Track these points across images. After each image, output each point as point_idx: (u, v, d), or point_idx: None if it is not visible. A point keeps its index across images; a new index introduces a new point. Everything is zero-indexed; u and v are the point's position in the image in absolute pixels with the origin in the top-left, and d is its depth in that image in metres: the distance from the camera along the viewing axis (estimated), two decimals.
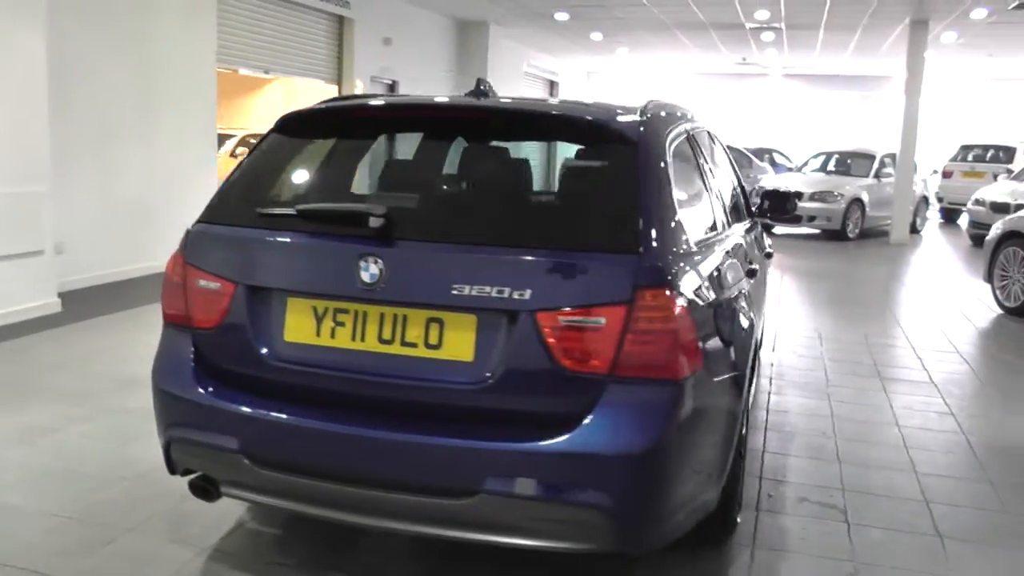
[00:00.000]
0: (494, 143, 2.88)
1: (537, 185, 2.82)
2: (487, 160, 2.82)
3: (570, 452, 2.16)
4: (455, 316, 2.26)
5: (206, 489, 2.52)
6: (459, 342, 2.26)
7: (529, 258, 2.24)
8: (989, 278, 7.55)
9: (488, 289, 2.20)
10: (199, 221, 2.60)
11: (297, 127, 2.80)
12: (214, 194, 2.68)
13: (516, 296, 2.18)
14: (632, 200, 2.32)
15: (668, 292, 2.19)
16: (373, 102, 2.90)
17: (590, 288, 2.19)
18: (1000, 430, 4.45)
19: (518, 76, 18.38)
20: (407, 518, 2.30)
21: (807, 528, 3.16)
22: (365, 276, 2.28)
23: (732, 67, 24.57)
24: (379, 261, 2.27)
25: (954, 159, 16.15)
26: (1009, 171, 14.07)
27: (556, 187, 2.67)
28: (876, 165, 14.17)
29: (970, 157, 15.98)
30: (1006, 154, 15.44)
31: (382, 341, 2.31)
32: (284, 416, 2.36)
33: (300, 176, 2.89)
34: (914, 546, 3.06)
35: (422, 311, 2.29)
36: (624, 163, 2.42)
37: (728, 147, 4.40)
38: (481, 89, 2.79)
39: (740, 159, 15.65)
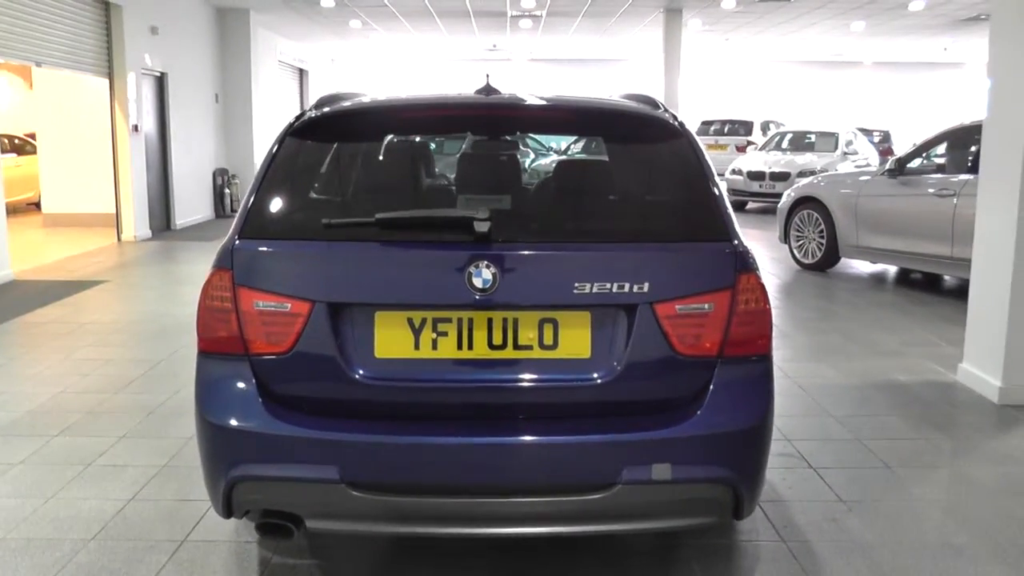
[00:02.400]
0: (554, 141, 2.83)
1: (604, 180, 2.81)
2: (567, 159, 2.77)
3: (698, 433, 2.25)
4: (569, 315, 2.25)
5: (282, 527, 2.28)
6: (575, 340, 2.25)
7: (644, 252, 2.29)
8: (785, 239, 8.59)
9: (607, 285, 2.22)
10: (242, 237, 2.31)
11: (322, 129, 2.58)
12: (246, 207, 2.38)
13: (635, 290, 2.22)
14: (708, 190, 2.43)
15: (758, 274, 2.35)
16: (414, 100, 2.73)
17: (699, 276, 2.29)
18: (816, 372, 5.05)
19: (273, 65, 17.56)
20: (541, 520, 2.27)
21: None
22: (477, 282, 2.19)
23: (481, 53, 25.33)
24: (491, 266, 2.19)
25: (698, 134, 17.97)
26: (750, 143, 15.93)
27: (626, 182, 2.66)
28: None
29: (711, 131, 17.87)
30: (744, 127, 17.47)
31: (493, 347, 2.24)
32: (394, 437, 2.20)
33: (350, 182, 2.65)
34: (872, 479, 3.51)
35: (534, 313, 2.24)
36: (684, 155, 2.51)
37: None
38: (490, 87, 2.74)
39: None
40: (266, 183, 2.41)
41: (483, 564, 2.78)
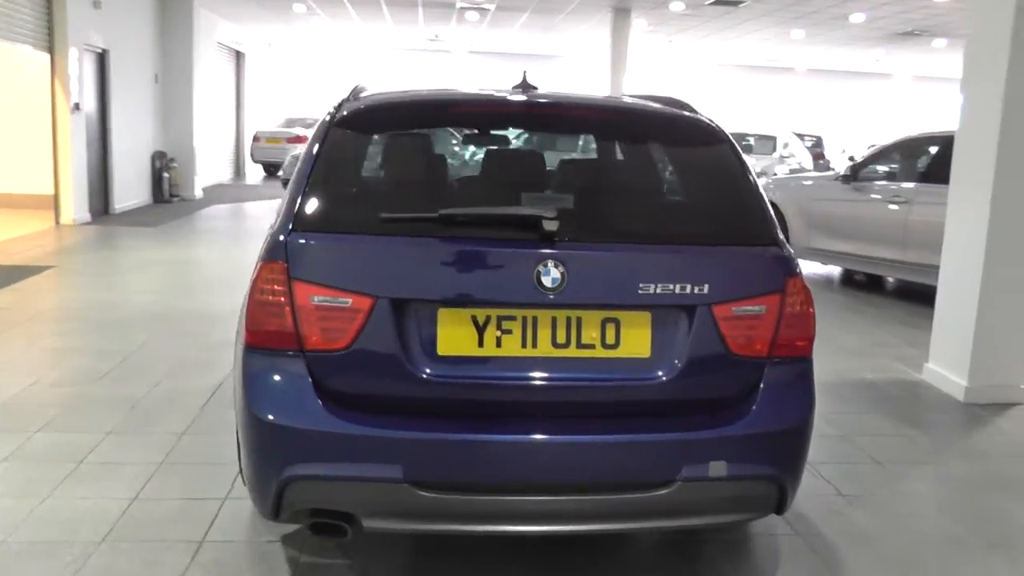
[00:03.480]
0: (601, 142, 2.82)
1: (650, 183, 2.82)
2: (617, 160, 2.76)
3: (751, 432, 2.31)
4: (631, 315, 2.27)
5: (336, 527, 2.24)
6: (636, 339, 2.27)
7: (704, 255, 2.34)
8: None
9: (670, 287, 2.25)
10: (295, 229, 2.25)
11: (370, 121, 2.54)
12: (295, 198, 2.32)
13: (696, 291, 2.26)
14: (756, 194, 2.49)
15: (803, 278, 2.42)
16: (462, 95, 2.69)
17: (753, 280, 2.35)
18: None
19: (212, 47, 17.04)
20: (601, 518, 2.29)
21: None
22: (547, 280, 2.19)
23: (422, 43, 25.12)
24: (560, 265, 2.19)
25: None
26: None
27: (675, 185, 2.67)
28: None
29: None
30: None
31: (556, 345, 2.24)
32: (458, 435, 2.19)
33: (401, 175, 2.59)
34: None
35: (597, 312, 2.26)
36: (729, 160, 2.55)
37: None
38: (527, 83, 2.73)
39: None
40: (315, 174, 2.34)
41: (510, 559, 2.78)
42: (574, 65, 27.12)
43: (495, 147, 2.80)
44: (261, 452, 2.23)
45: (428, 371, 2.20)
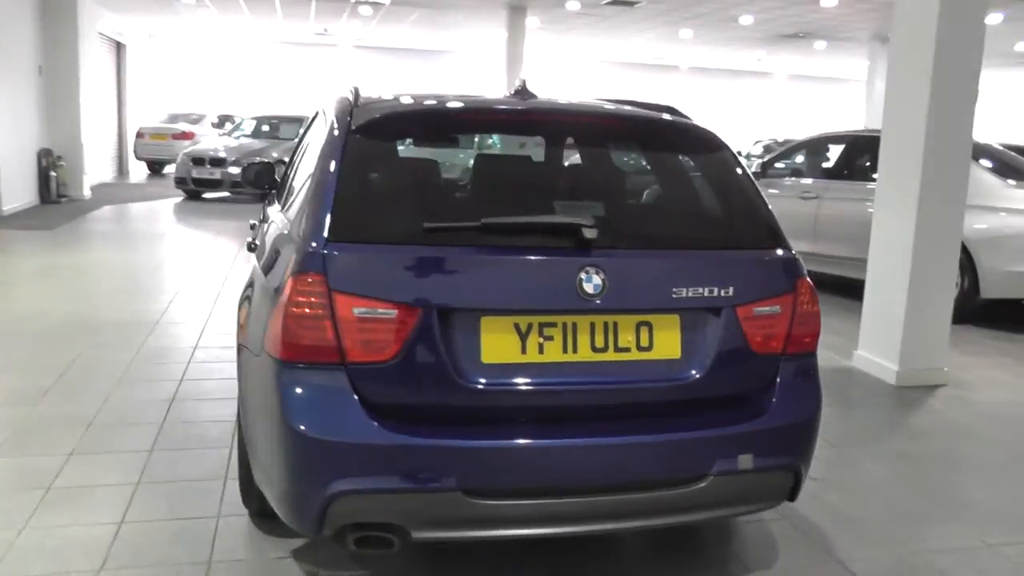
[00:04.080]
0: (620, 150, 2.86)
1: (664, 188, 2.88)
2: (639, 167, 2.81)
3: (774, 425, 2.44)
4: (662, 317, 2.35)
5: (383, 540, 2.22)
6: (667, 341, 2.35)
7: (728, 258, 2.45)
8: None
9: (700, 290, 2.35)
10: (331, 240, 2.20)
11: (390, 128, 2.52)
12: (322, 207, 2.27)
13: (722, 294, 2.37)
14: (761, 199, 2.62)
15: (809, 279, 2.56)
16: (481, 103, 2.68)
17: (770, 281, 2.48)
18: None
19: (95, 37, 16.10)
20: (638, 515, 2.36)
21: None
22: (588, 287, 2.24)
23: (310, 37, 24.55)
24: (601, 271, 2.24)
25: None
26: None
27: (692, 191, 2.75)
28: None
29: None
30: None
31: (595, 350, 2.30)
32: (508, 442, 2.21)
33: (431, 183, 2.57)
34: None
35: (632, 316, 2.32)
36: (732, 166, 2.68)
37: None
38: (527, 90, 2.77)
39: None
40: (343, 183, 2.30)
41: (523, 562, 2.82)
42: (463, 62, 27.14)
43: (517, 154, 2.82)
44: (304, 468, 2.18)
45: (473, 379, 2.21)
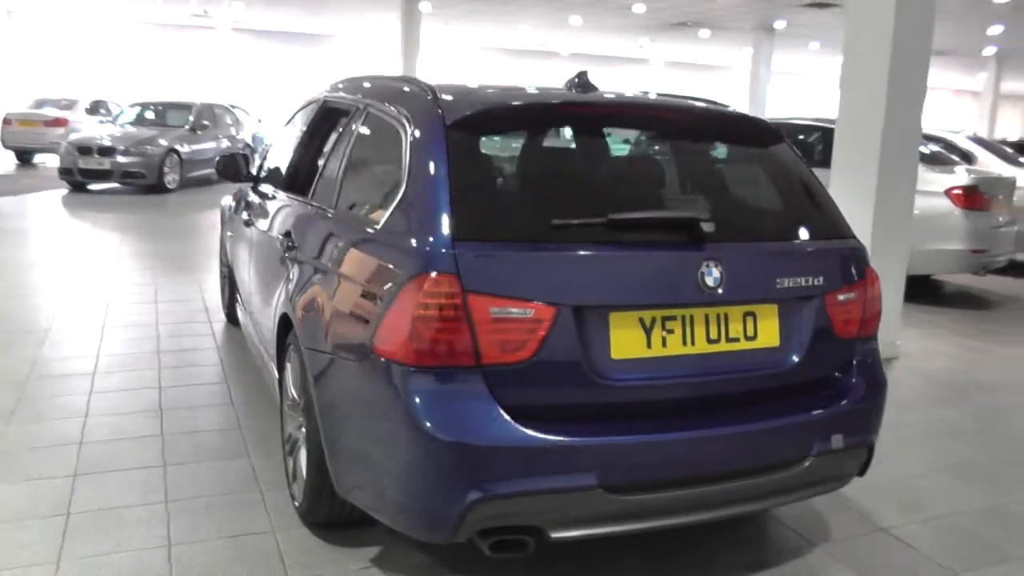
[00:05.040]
0: (705, 144, 2.88)
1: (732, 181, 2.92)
2: (726, 161, 2.83)
3: (859, 405, 2.56)
4: (764, 307, 2.42)
5: (519, 542, 2.19)
6: (768, 330, 2.43)
7: (818, 249, 2.55)
8: None
9: (798, 279, 2.44)
10: (459, 239, 2.13)
11: (488, 124, 2.47)
12: (437, 206, 2.18)
13: (815, 283, 2.47)
14: (826, 192, 2.73)
15: (873, 267, 2.71)
16: (572, 97, 2.65)
17: (849, 270, 2.60)
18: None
19: None
20: (754, 499, 2.43)
21: None
22: (709, 280, 2.28)
23: (186, 19, 23.34)
24: (719, 265, 2.28)
25: None
26: None
27: (773, 185, 2.81)
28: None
29: None
30: None
31: (710, 341, 2.34)
32: (642, 436, 2.22)
33: (540, 179, 2.54)
34: None
35: (740, 307, 2.38)
36: (793, 158, 2.78)
37: None
38: (587, 82, 2.77)
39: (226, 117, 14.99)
40: (455, 181, 2.23)
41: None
42: (346, 47, 26.55)
43: (612, 149, 2.80)
44: (442, 475, 2.11)
45: (605, 376, 2.20)
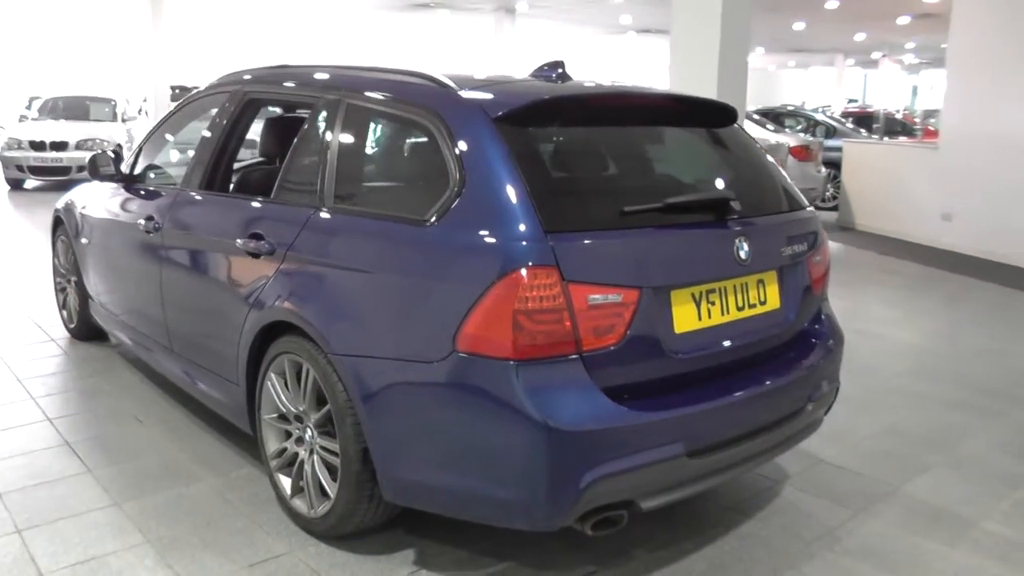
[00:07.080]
0: (709, 131, 3.03)
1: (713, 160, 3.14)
2: (724, 145, 3.00)
3: (833, 352, 2.97)
4: (769, 274, 2.73)
5: (616, 519, 2.33)
6: (773, 295, 2.75)
7: (800, 218, 2.92)
8: None
9: (795, 247, 2.79)
10: (550, 231, 2.19)
11: (541, 116, 2.52)
12: (517, 199, 2.23)
13: (803, 249, 2.85)
14: (778, 168, 3.11)
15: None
16: (609, 89, 2.80)
17: (816, 234, 2.98)
18: None
19: None
20: (778, 448, 2.74)
21: None
22: (742, 254, 2.54)
23: None
24: (746, 239, 2.56)
25: None
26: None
27: (757, 164, 3.02)
28: (120, 110, 14.45)
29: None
30: None
31: (738, 309, 2.61)
32: (709, 403, 2.43)
33: (589, 169, 2.73)
34: None
35: (754, 276, 2.66)
36: (748, 137, 3.13)
37: None
38: (564, 73, 2.93)
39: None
40: (527, 173, 2.29)
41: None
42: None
43: (640, 139, 2.95)
44: (558, 464, 2.16)
45: (675, 349, 2.39)
